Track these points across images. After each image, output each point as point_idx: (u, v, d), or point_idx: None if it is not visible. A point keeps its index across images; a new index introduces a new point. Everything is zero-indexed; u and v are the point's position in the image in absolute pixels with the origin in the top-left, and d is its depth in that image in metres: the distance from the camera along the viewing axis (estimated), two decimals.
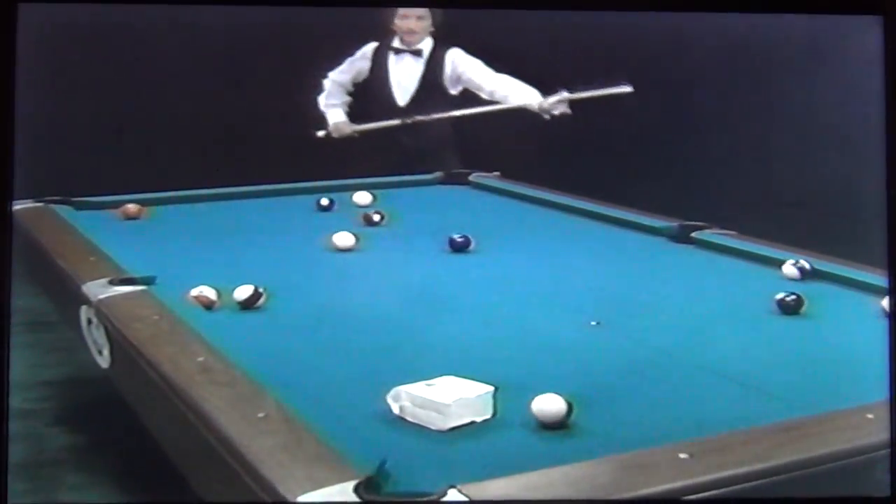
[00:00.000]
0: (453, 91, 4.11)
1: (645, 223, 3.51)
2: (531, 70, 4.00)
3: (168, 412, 2.15)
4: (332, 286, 2.94)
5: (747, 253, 3.14)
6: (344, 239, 3.29)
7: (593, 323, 2.57)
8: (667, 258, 3.25)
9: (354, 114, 4.16)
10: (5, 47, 2.64)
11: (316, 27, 3.78)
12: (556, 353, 2.41)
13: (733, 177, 3.80)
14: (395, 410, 2.04)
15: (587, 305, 2.72)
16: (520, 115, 4.10)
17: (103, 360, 2.58)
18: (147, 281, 2.73)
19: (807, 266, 2.91)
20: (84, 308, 2.67)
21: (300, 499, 1.74)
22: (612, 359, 2.37)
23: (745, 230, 3.33)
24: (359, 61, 4.09)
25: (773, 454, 1.88)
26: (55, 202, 3.63)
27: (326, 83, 4.11)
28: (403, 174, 4.14)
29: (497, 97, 4.04)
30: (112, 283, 2.73)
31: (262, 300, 2.66)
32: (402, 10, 4.01)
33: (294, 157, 4.03)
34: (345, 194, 3.92)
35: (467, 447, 1.95)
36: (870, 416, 2.04)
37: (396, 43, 4.03)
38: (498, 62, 4.04)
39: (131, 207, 3.67)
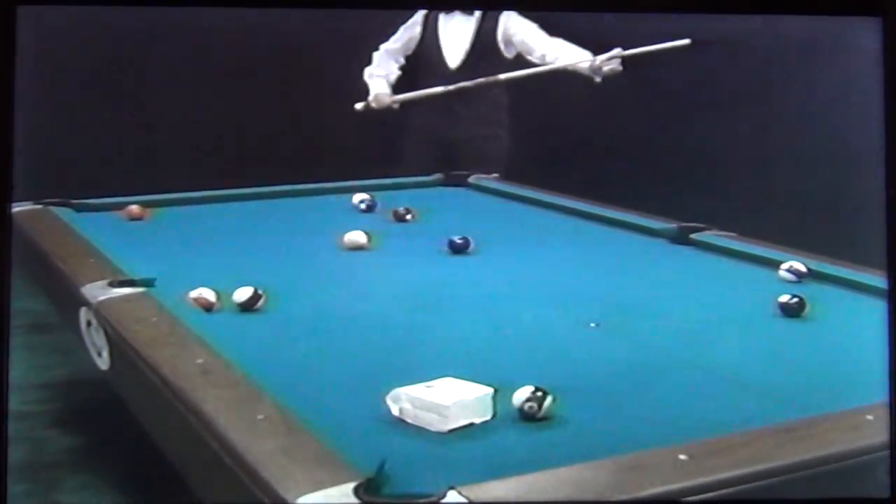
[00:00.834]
0: (508, 55, 3.95)
1: (644, 225, 3.51)
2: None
3: (167, 414, 2.15)
4: (331, 287, 2.94)
5: (747, 255, 3.14)
6: (355, 238, 3.29)
7: (592, 325, 2.57)
8: (666, 260, 3.25)
9: (409, 82, 4.02)
10: (5, 48, 2.64)
11: (323, 27, 3.77)
12: (556, 354, 2.41)
13: (733, 178, 3.80)
14: (395, 412, 2.04)
15: (586, 307, 2.72)
16: (524, 115, 4.02)
17: (102, 362, 2.58)
18: (146, 283, 2.73)
19: (802, 268, 2.91)
20: (83, 310, 2.67)
21: (300, 500, 1.74)
22: (611, 360, 2.37)
23: (744, 232, 3.33)
24: (410, 28, 3.97)
25: (772, 455, 1.88)
26: (55, 204, 3.63)
27: (376, 55, 4.01)
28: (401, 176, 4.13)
29: (547, 61, 3.89)
30: (111, 285, 2.73)
31: (261, 302, 2.66)
32: None
33: (301, 158, 4.01)
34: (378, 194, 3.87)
35: (467, 449, 1.95)
36: (869, 417, 2.04)
37: None
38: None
39: (135, 209, 3.67)
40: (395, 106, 3.91)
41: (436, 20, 3.91)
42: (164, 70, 3.95)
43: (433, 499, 1.76)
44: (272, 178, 4.00)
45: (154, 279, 2.75)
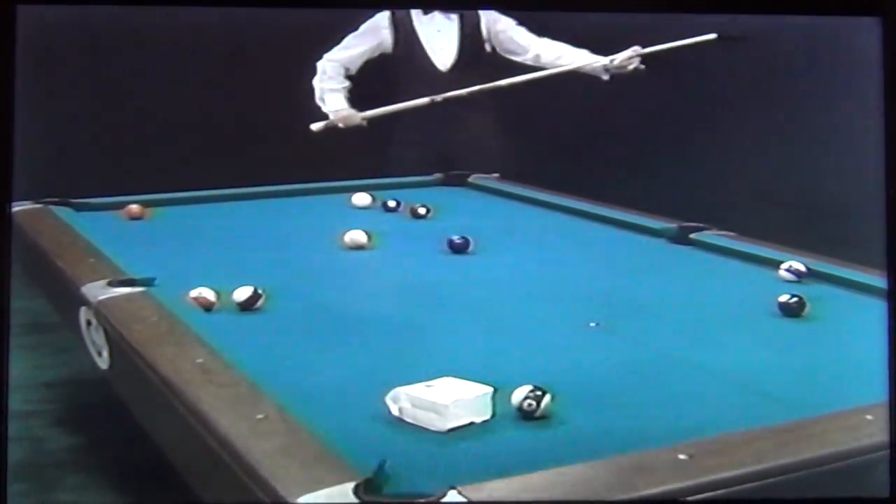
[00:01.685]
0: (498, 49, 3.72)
1: (644, 224, 3.51)
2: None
3: (167, 414, 2.15)
4: (331, 287, 2.94)
5: (746, 254, 3.14)
6: (356, 237, 3.30)
7: (592, 324, 2.57)
8: (666, 259, 3.25)
9: (389, 91, 3.72)
10: (5, 48, 2.64)
11: (324, 23, 3.71)
12: (556, 354, 2.41)
13: (733, 178, 3.80)
14: (395, 412, 2.04)
15: (587, 307, 2.72)
16: (520, 113, 3.97)
17: (103, 362, 2.58)
18: (146, 282, 2.73)
19: (802, 268, 2.91)
20: (83, 309, 2.67)
21: (300, 500, 1.74)
22: (611, 360, 2.37)
23: (744, 231, 3.33)
24: (373, 33, 3.65)
25: (772, 455, 1.88)
26: (54, 203, 3.63)
27: (321, 65, 3.71)
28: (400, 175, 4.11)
29: (544, 62, 3.69)
30: (111, 284, 2.72)
31: (261, 301, 2.66)
32: None
33: (299, 157, 3.98)
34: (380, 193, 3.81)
35: (466, 448, 1.95)
36: (869, 417, 2.04)
37: None
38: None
39: (135, 208, 3.67)
40: (364, 124, 3.70)
41: (409, 23, 3.64)
42: (164, 68, 3.95)
43: (433, 498, 1.76)
44: (272, 178, 4.00)
45: (154, 278, 2.75)
